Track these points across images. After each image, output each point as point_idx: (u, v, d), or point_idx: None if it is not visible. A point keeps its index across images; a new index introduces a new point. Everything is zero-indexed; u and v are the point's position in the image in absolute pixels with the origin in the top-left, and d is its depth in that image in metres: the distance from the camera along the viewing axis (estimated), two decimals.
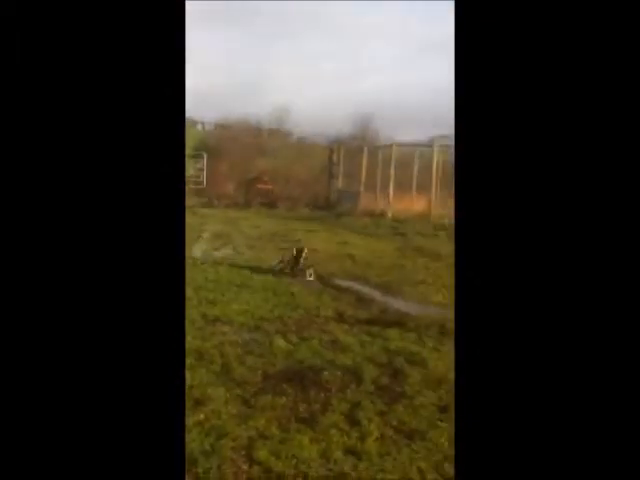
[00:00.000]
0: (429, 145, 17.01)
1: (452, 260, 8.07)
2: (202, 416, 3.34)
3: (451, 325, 5.65)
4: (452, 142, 19.18)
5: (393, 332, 5.30)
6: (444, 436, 3.32)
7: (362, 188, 19.23)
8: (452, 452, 3.17)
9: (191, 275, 6.84)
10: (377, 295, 7.05)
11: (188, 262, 7.46)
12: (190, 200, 17.44)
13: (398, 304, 6.61)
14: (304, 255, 8.12)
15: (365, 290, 7.26)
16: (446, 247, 10.98)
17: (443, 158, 18.42)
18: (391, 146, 18.84)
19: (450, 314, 6.16)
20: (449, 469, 2.99)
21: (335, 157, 21.34)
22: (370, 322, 5.65)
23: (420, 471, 2.97)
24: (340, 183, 20.88)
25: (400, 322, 5.66)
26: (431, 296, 7.02)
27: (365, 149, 19.97)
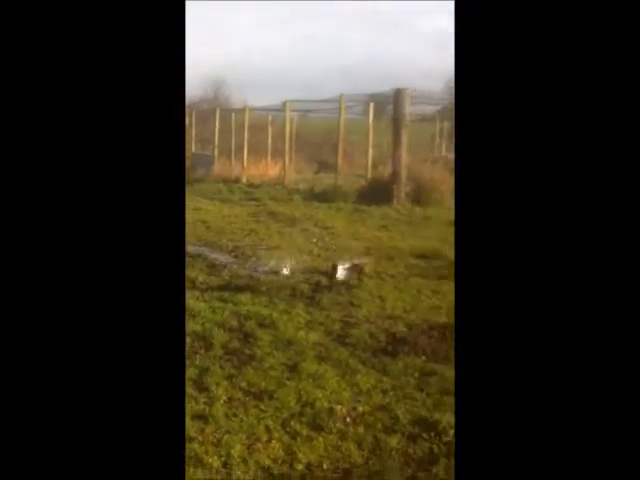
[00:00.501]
0: (282, 110, 17.02)
1: (307, 225, 8.22)
2: None
3: (302, 286, 5.77)
4: (305, 105, 19.33)
5: (244, 297, 5.31)
6: (291, 395, 3.40)
7: (216, 153, 18.95)
8: (299, 408, 3.26)
9: None
10: (229, 261, 7.02)
11: None
12: None
13: (251, 269, 6.62)
14: None
15: (217, 256, 7.21)
16: (300, 211, 11.15)
17: (296, 123, 18.51)
18: (244, 110, 18.66)
19: (302, 276, 6.28)
20: (296, 425, 3.08)
21: (187, 121, 20.82)
22: (221, 288, 5.63)
23: (268, 429, 3.02)
24: (193, 148, 20.44)
25: (252, 286, 5.69)
26: (285, 260, 7.10)
27: (218, 112, 19.63)
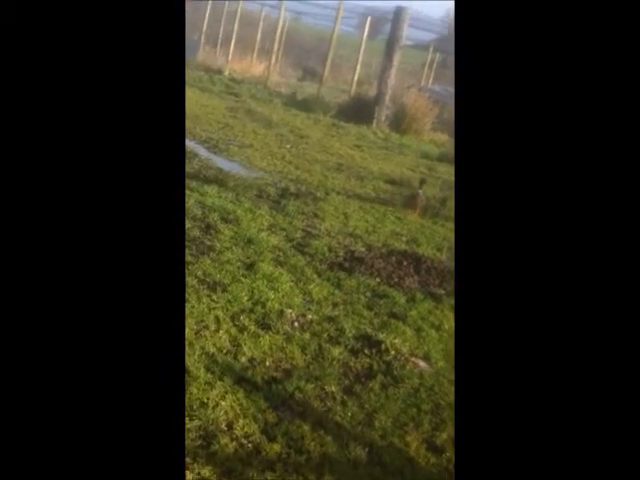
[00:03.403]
0: (277, 7, 16.42)
1: (283, 130, 8.10)
2: None
3: (270, 189, 5.75)
4: (301, 6, 18.66)
5: (211, 189, 5.28)
6: (244, 291, 3.44)
7: (202, 40, 18.30)
8: (250, 305, 3.32)
9: None
10: (201, 151, 6.92)
11: None
12: None
13: (221, 163, 6.55)
14: None
15: (190, 143, 7.08)
16: (278, 115, 10.96)
17: (288, 25, 17.89)
18: (238, 1, 17.95)
19: (270, 179, 6.25)
20: (245, 320, 3.14)
21: None
22: (190, 176, 5.56)
23: (217, 320, 3.08)
24: None
25: (220, 180, 5.64)
26: (256, 161, 7.04)
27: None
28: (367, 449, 2.41)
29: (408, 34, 13.18)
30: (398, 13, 11.61)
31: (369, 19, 14.33)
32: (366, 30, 14.02)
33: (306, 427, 2.43)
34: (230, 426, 2.35)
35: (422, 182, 6.09)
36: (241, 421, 2.38)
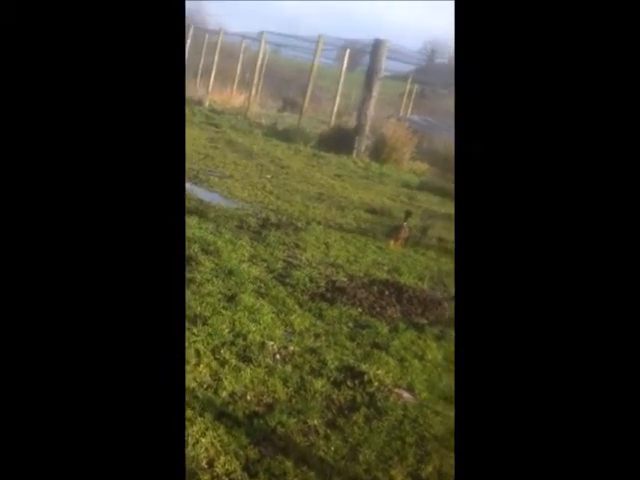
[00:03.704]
0: (257, 39, 16.58)
1: (263, 160, 8.13)
2: None
3: (250, 220, 5.73)
4: (281, 39, 18.87)
5: (192, 220, 5.25)
6: (225, 323, 3.40)
7: None
8: (231, 338, 3.27)
9: None
10: None
11: None
12: None
13: (201, 194, 6.53)
14: None
15: None
16: (259, 145, 11.00)
17: (268, 56, 18.06)
18: (219, 32, 18.11)
19: (251, 209, 6.23)
20: (225, 354, 3.09)
21: None
22: None
23: (197, 353, 3.03)
24: None
25: (200, 211, 5.62)
26: (237, 191, 7.03)
27: (192, 30, 18.99)
28: None
29: (386, 66, 13.35)
30: (377, 46, 11.78)
31: (348, 51, 14.52)
32: (345, 62, 14.19)
33: (289, 463, 2.38)
34: (211, 464, 2.29)
35: (408, 214, 6.04)
36: (222, 458, 2.32)
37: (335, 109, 14.12)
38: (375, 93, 11.95)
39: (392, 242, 5.82)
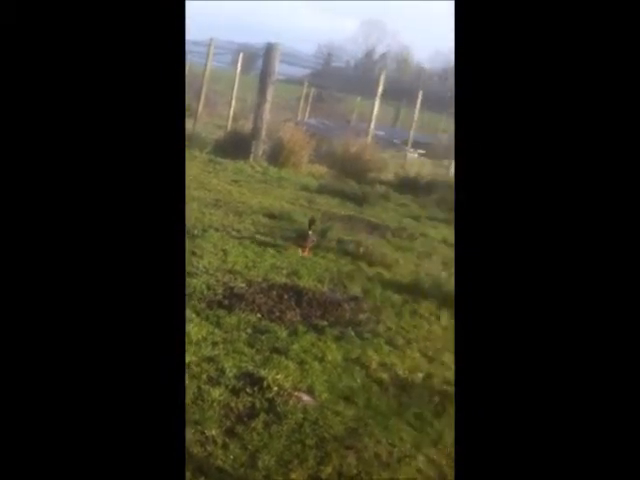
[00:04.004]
0: None
1: None
2: None
3: None
4: None
5: None
6: None
7: None
8: None
9: None
10: None
11: None
12: None
13: None
14: None
15: None
16: None
17: None
18: None
19: None
20: None
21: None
22: None
23: None
24: None
25: None
26: None
27: None
28: None
29: (282, 69, 13.40)
30: (269, 49, 11.78)
31: (241, 55, 14.45)
32: (239, 66, 14.12)
33: (187, 473, 2.32)
34: None
35: (311, 222, 5.99)
36: None
37: (231, 113, 14.02)
38: (269, 97, 11.94)
39: (300, 250, 5.77)
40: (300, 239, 5.91)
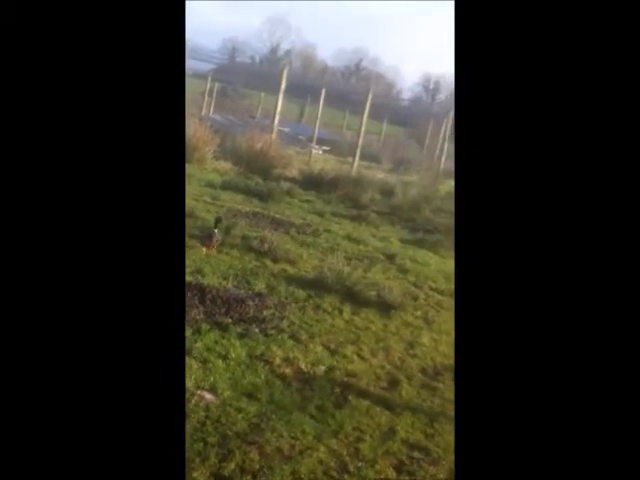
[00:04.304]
0: None
1: None
2: None
3: None
4: None
5: None
6: None
7: None
8: None
9: None
10: None
11: None
12: None
13: None
14: None
15: None
16: None
17: None
18: None
19: None
20: None
21: None
22: None
23: None
24: None
25: None
26: None
27: None
28: None
29: (186, 64, 13.18)
30: None
31: None
32: None
33: None
34: None
35: (218, 221, 6.00)
36: None
37: None
38: None
39: (205, 249, 5.74)
40: (205, 238, 5.87)
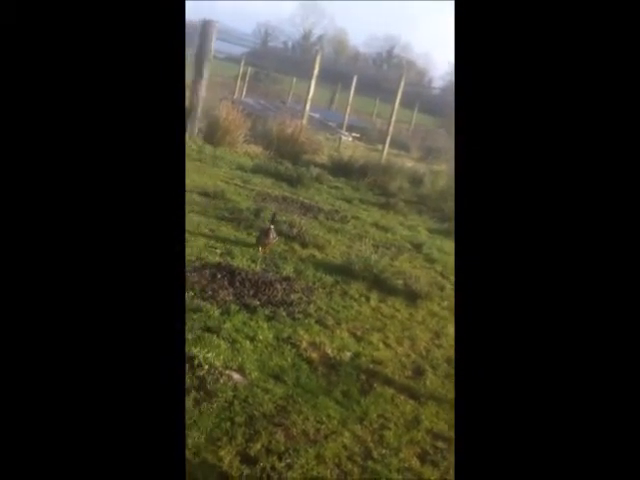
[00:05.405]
0: None
1: None
2: None
3: None
4: None
5: None
6: None
7: None
8: None
9: None
10: None
11: None
12: None
13: None
14: None
15: None
16: None
17: None
18: None
19: None
20: None
21: None
22: None
23: None
24: None
25: None
26: None
27: None
28: None
29: (219, 47, 13.23)
30: (205, 26, 11.61)
31: None
32: None
33: None
34: None
35: (273, 217, 5.60)
36: None
37: None
38: (206, 75, 11.79)
39: (261, 249, 5.40)
40: (263, 236, 5.39)
